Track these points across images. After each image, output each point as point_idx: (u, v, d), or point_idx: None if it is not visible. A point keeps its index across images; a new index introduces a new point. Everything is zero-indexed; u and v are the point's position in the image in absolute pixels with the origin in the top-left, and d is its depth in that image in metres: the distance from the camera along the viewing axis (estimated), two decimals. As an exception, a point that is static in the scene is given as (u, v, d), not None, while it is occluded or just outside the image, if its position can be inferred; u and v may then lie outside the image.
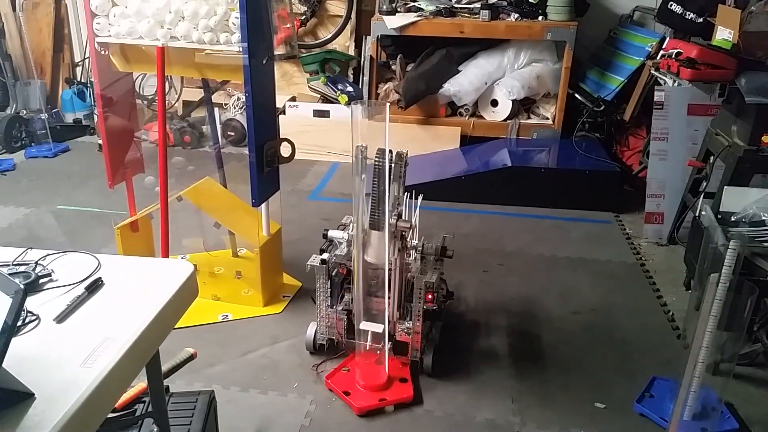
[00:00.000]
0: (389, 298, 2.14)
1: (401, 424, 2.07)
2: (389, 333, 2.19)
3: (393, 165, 2.01)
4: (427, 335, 2.33)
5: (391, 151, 1.99)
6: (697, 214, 2.78)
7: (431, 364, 2.26)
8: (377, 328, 2.16)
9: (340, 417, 2.09)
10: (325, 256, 2.27)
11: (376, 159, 1.97)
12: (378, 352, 2.18)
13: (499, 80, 4.30)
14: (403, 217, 2.14)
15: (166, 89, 4.87)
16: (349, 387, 2.18)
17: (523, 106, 4.46)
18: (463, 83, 4.26)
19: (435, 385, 2.25)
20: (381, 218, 2.00)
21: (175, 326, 1.24)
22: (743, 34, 2.93)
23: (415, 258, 2.25)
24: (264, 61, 2.28)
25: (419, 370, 2.28)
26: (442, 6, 4.24)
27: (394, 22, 4.15)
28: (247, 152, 2.35)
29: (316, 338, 2.37)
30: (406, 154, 2.06)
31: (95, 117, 4.82)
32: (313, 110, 4.51)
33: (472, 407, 2.15)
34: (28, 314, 1.11)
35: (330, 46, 4.71)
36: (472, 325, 2.62)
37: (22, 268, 1.23)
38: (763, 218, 2.28)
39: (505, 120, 4.35)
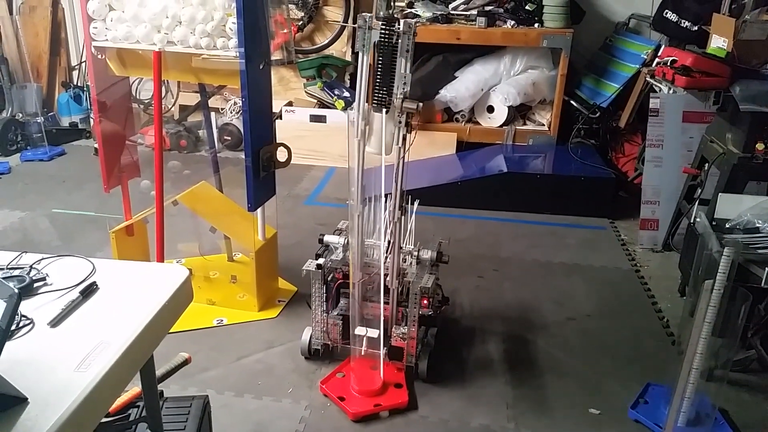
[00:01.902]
0: (387, 302, 2.15)
1: (396, 430, 2.07)
2: (386, 335, 2.19)
3: (400, 38, 1.85)
4: (422, 340, 2.33)
5: (397, 20, 1.81)
6: (691, 221, 2.79)
7: (426, 369, 2.26)
8: (372, 333, 2.16)
9: (334, 422, 2.09)
10: (321, 261, 2.27)
11: (383, 29, 1.79)
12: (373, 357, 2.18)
13: (495, 87, 4.32)
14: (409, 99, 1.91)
15: (163, 93, 4.89)
16: (344, 392, 2.18)
17: (519, 112, 4.47)
18: (460, 89, 4.27)
19: (430, 390, 2.24)
20: (386, 97, 1.84)
21: (170, 331, 1.24)
22: (737, 42, 2.95)
23: (411, 263, 2.25)
24: (261, 66, 2.29)
25: (414, 375, 2.28)
26: (439, 13, 4.25)
27: (390, 28, 4.15)
28: (243, 157, 2.35)
29: (311, 343, 2.37)
30: (415, 24, 1.87)
31: (91, 121, 4.82)
32: (310, 115, 4.51)
33: (467, 413, 2.15)
34: (23, 318, 1.10)
35: (327, 52, 4.72)
36: (468, 330, 2.62)
37: (16, 272, 1.23)
38: (758, 225, 2.29)
39: (501, 126, 4.36)
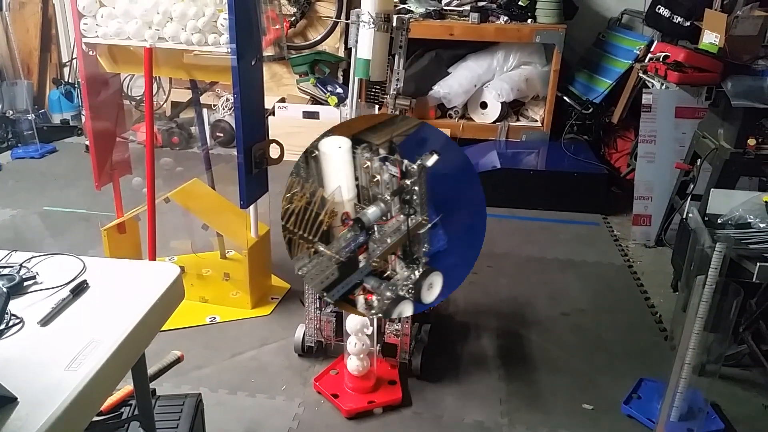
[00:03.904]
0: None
1: (390, 427, 2.07)
2: (379, 331, 2.18)
3: (393, 33, 1.85)
4: (415, 337, 2.33)
5: (389, 16, 1.80)
6: (684, 217, 2.80)
7: (420, 366, 2.26)
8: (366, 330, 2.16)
9: (328, 419, 2.09)
10: (314, 258, 2.26)
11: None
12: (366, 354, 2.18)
13: (489, 82, 4.32)
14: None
15: (154, 90, 4.86)
16: (338, 389, 2.18)
17: (512, 108, 4.48)
18: (453, 85, 4.27)
19: (424, 387, 2.24)
20: (379, 93, 1.86)
21: (162, 329, 1.23)
22: (729, 38, 2.96)
23: (404, 260, 2.24)
24: (253, 63, 2.28)
25: (408, 372, 2.28)
26: (432, 8, 4.25)
27: (383, 24, 4.14)
28: (235, 153, 2.34)
29: (305, 340, 2.36)
30: (408, 20, 1.86)
31: (82, 118, 4.79)
32: (303, 111, 4.50)
33: (460, 409, 2.15)
34: (12, 317, 1.09)
35: (320, 48, 4.70)
36: (461, 326, 2.62)
37: (6, 271, 1.22)
38: (749, 220, 2.30)
39: (494, 122, 4.36)
